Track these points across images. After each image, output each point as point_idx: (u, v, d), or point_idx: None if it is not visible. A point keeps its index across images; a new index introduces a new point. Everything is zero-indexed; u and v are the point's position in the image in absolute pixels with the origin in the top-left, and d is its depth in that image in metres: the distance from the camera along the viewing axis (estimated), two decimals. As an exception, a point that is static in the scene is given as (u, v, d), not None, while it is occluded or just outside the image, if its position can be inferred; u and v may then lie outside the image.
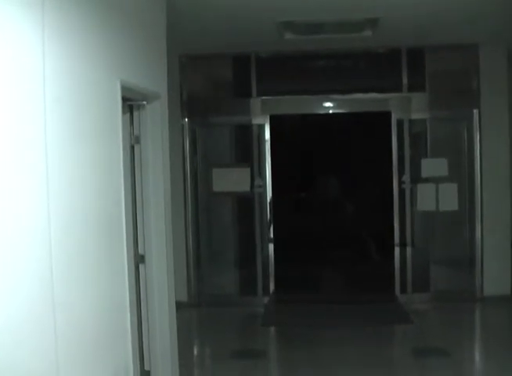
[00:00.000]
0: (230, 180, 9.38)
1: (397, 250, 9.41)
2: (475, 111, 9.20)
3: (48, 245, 3.31)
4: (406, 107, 9.25)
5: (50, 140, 3.33)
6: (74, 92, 3.71)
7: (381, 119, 9.57)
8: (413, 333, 8.10)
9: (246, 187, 9.43)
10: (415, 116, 9.29)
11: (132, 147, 5.36)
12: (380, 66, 9.48)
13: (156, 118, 5.47)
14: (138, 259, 5.41)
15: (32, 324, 3.16)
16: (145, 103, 5.34)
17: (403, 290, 9.38)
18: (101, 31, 4.19)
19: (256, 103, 9.41)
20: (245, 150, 9.55)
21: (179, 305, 6.20)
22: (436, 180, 9.19)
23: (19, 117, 3.08)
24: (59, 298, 3.39)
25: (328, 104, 9.62)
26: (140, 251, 5.44)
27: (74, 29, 3.74)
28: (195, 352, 7.86)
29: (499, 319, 8.55)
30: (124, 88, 4.53)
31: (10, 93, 3.00)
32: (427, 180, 9.24)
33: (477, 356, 7.46)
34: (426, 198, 9.22)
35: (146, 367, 5.51)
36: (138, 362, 5.21)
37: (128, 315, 4.54)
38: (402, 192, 9.32)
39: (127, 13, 4.78)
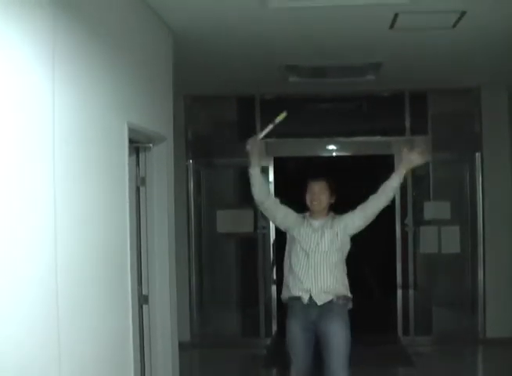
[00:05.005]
0: (234, 221, 9.41)
1: (399, 292, 9.41)
2: (477, 154, 9.25)
3: (55, 285, 3.33)
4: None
5: (58, 181, 3.37)
6: (82, 134, 3.76)
7: (384, 162, 9.62)
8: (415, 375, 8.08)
9: (249, 228, 9.46)
10: (417, 159, 9.31)
11: (138, 189, 5.41)
12: (383, 109, 9.54)
13: (161, 160, 5.53)
14: (142, 300, 5.43)
15: (36, 362, 3.18)
16: (151, 145, 5.40)
17: (406, 332, 9.37)
18: (109, 74, 4.26)
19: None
20: (249, 192, 9.55)
21: (181, 345, 6.20)
22: (438, 223, 9.23)
23: (28, 156, 3.12)
24: (64, 338, 3.41)
25: (331, 147, 9.69)
26: (144, 292, 5.46)
27: (83, 71, 3.80)
28: (197, 393, 7.84)
29: (501, 361, 8.49)
30: (130, 131, 4.59)
31: (20, 133, 3.04)
32: (429, 223, 9.28)
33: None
34: (428, 240, 9.25)
35: (149, 408, 5.51)
36: (140, 402, 5.22)
37: (132, 355, 4.55)
38: (404, 234, 9.34)
39: (134, 56, 4.85)
